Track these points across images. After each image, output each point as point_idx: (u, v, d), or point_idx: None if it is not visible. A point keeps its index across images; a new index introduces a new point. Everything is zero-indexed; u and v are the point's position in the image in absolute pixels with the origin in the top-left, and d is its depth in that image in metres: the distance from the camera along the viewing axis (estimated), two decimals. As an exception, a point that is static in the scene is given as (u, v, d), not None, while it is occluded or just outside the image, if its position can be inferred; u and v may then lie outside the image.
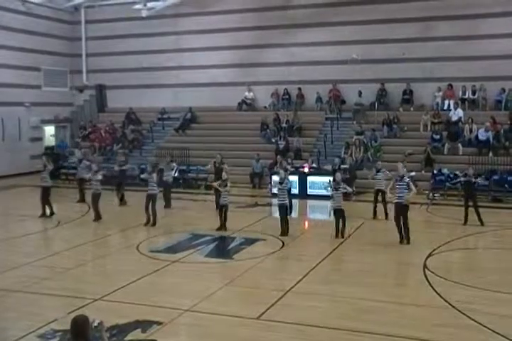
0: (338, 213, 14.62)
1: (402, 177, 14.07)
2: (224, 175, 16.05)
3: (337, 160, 21.18)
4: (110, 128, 29.00)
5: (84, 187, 20.02)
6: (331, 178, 15.65)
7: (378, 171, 17.20)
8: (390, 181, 15.98)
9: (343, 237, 14.52)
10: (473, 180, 16.14)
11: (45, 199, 17.75)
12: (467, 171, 16.35)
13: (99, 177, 17.43)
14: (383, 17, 26.18)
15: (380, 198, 16.99)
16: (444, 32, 25.48)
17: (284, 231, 14.91)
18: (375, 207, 17.00)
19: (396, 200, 13.97)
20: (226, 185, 15.79)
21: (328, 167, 21.47)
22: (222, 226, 15.63)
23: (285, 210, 15.16)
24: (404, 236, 13.88)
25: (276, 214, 18.99)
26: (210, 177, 20.83)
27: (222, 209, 15.78)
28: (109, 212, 18.57)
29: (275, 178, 21.79)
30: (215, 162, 19.19)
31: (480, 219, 15.78)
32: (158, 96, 29.96)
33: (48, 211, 17.79)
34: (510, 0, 24.62)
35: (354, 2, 26.99)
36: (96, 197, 17.27)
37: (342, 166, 20.84)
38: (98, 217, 17.13)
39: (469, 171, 16.21)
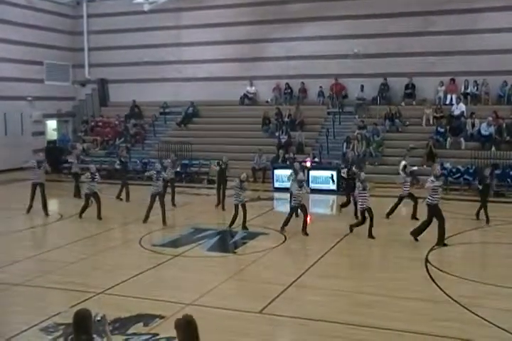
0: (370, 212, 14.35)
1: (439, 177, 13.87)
2: (244, 176, 15.68)
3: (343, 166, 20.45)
4: (117, 120, 29.06)
5: (79, 182, 19.98)
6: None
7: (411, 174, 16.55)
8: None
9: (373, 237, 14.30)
10: (489, 181, 15.83)
11: (34, 196, 17.59)
12: (484, 173, 16.02)
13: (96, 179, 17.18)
14: (385, 11, 26.10)
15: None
16: (447, 26, 25.40)
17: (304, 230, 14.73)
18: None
19: (436, 201, 13.41)
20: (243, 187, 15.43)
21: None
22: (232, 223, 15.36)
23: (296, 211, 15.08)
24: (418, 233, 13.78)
25: (279, 209, 19.13)
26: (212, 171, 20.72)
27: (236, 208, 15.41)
28: (111, 206, 18.61)
29: (277, 172, 21.92)
30: (218, 162, 19.03)
31: (477, 215, 15.81)
32: (160, 91, 29.93)
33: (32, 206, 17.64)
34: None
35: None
36: (95, 194, 17.05)
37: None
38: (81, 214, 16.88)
39: (486, 172, 15.93)
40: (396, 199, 16.38)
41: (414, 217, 16.03)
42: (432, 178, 13.46)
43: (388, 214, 16.35)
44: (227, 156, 19.39)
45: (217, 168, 18.74)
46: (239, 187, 15.26)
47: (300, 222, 14.84)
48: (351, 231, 14.54)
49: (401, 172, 17.05)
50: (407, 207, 16.57)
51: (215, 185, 19.18)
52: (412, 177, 17.60)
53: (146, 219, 16.19)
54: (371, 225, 14.21)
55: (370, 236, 14.14)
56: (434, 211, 13.37)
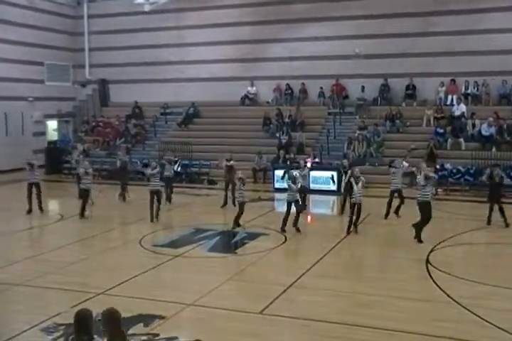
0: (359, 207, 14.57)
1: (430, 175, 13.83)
2: (238, 174, 15.94)
3: (345, 162, 19.13)
4: (117, 120, 29.09)
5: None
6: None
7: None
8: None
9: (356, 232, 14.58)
10: (499, 180, 15.59)
11: (35, 196, 17.70)
12: (494, 171, 15.82)
13: (89, 174, 17.19)
14: (386, 11, 26.12)
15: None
16: (447, 26, 25.41)
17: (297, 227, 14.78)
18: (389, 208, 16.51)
19: (426, 199, 13.63)
20: (244, 184, 15.63)
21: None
22: (235, 222, 15.41)
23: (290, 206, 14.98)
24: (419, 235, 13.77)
25: (280, 209, 19.13)
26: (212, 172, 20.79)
27: (240, 206, 15.52)
28: (111, 206, 18.65)
29: (278, 173, 21.91)
30: (227, 160, 19.04)
31: (505, 220, 15.33)
32: (160, 91, 29.94)
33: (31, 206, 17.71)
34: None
35: (357, -4, 26.96)
36: (87, 193, 17.05)
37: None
38: (82, 214, 16.84)
39: (495, 171, 15.75)
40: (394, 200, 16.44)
41: (396, 212, 16.24)
42: (419, 176, 13.79)
43: (386, 215, 16.39)
44: (230, 153, 19.52)
45: (228, 163, 18.81)
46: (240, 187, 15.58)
47: (300, 221, 14.88)
48: (348, 233, 14.58)
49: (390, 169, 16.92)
50: (404, 207, 16.49)
51: (223, 185, 19.09)
52: (411, 178, 17.60)
53: (152, 219, 16.22)
54: (357, 220, 14.52)
55: (349, 230, 14.54)
56: (425, 208, 13.56)
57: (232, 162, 18.94)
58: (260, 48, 28.75)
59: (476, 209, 16.43)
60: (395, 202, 16.39)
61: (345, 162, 17.63)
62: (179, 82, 29.93)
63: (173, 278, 11.28)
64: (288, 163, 22.45)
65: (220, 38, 28.91)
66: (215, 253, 13.17)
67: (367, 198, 16.70)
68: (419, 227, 13.71)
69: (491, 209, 15.49)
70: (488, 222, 15.48)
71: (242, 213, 15.41)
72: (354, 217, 14.58)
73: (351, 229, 14.66)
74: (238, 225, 15.42)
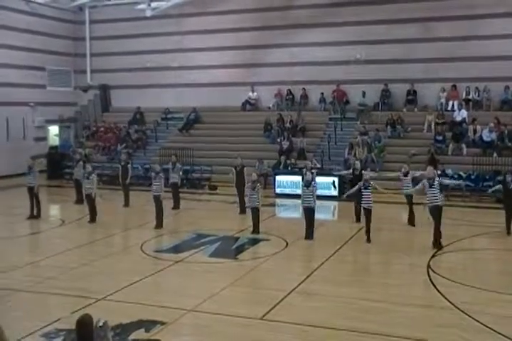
0: (369, 213, 14.52)
1: (433, 179, 13.74)
2: (254, 176, 15.84)
3: (358, 164, 18.87)
4: (115, 127, 29.12)
5: (80, 188, 19.80)
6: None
7: (406, 175, 16.54)
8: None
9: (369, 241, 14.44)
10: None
11: (32, 200, 17.77)
12: (507, 177, 15.55)
13: (92, 178, 17.20)
14: (387, 17, 26.16)
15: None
16: (448, 32, 25.43)
17: (309, 235, 14.66)
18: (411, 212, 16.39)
19: (435, 203, 13.57)
20: (255, 188, 15.48)
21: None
22: (256, 228, 15.35)
23: (312, 213, 14.94)
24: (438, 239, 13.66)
25: (280, 215, 19.10)
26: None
27: (254, 212, 15.48)
28: (112, 211, 18.64)
29: (279, 178, 21.92)
30: (236, 167, 18.90)
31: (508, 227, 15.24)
32: (162, 96, 29.98)
33: (35, 212, 17.77)
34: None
35: (358, 2, 26.95)
36: (88, 197, 17.12)
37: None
38: (93, 219, 16.93)
39: (508, 178, 15.46)
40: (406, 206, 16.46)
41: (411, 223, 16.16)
42: (425, 181, 13.81)
43: (412, 222, 16.30)
44: (240, 157, 19.38)
45: (234, 171, 18.73)
46: (251, 189, 15.50)
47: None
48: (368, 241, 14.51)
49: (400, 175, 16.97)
50: (405, 213, 16.49)
51: (235, 191, 18.85)
52: (415, 184, 17.59)
53: (160, 224, 16.22)
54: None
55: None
56: (432, 212, 13.59)
57: (244, 169, 18.80)
58: (261, 54, 28.80)
59: (477, 215, 16.39)
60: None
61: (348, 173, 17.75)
62: (180, 88, 29.99)
63: (174, 283, 11.27)
64: (289, 168, 22.41)
65: (221, 44, 28.96)
66: (216, 258, 13.15)
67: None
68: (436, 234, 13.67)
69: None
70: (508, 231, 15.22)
71: (255, 218, 15.35)
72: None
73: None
74: (258, 232, 15.28)
